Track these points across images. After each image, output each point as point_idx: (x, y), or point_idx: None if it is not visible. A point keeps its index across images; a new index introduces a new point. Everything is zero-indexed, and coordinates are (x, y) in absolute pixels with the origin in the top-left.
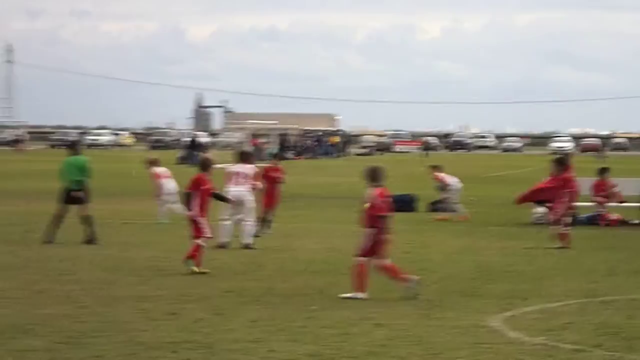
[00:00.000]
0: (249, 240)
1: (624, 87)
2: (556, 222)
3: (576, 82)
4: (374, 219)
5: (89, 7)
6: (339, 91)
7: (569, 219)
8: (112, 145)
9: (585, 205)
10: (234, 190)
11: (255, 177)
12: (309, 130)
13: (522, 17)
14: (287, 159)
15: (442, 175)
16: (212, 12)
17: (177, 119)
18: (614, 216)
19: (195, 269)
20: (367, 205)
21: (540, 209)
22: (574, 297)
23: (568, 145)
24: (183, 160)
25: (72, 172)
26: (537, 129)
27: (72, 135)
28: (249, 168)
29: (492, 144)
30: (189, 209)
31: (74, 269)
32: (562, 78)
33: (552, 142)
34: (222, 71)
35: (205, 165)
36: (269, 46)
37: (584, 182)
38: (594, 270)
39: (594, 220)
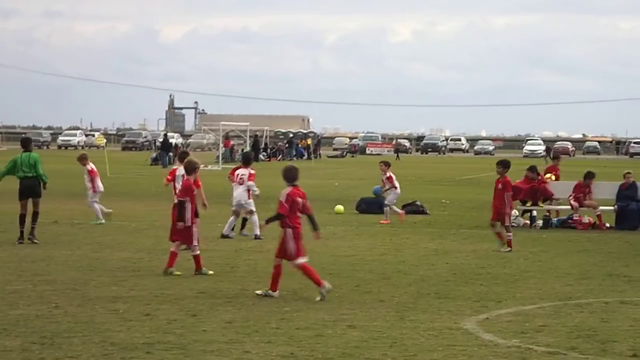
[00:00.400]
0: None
1: (598, 90)
2: (507, 227)
3: (551, 85)
4: (285, 219)
5: (63, 8)
6: (311, 93)
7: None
8: (84, 146)
9: (560, 208)
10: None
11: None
12: (280, 132)
13: (498, 20)
14: (259, 160)
15: (393, 175)
16: (185, 13)
17: (150, 120)
18: (587, 219)
19: (178, 272)
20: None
21: (513, 212)
22: (548, 299)
23: (540, 148)
24: (155, 161)
25: (25, 168)
26: (511, 132)
27: (43, 136)
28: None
29: (464, 147)
30: (183, 219)
31: (47, 270)
32: (537, 81)
33: (525, 145)
34: (195, 72)
35: (190, 169)
36: (242, 48)
37: (561, 185)
38: (568, 273)
39: (567, 224)
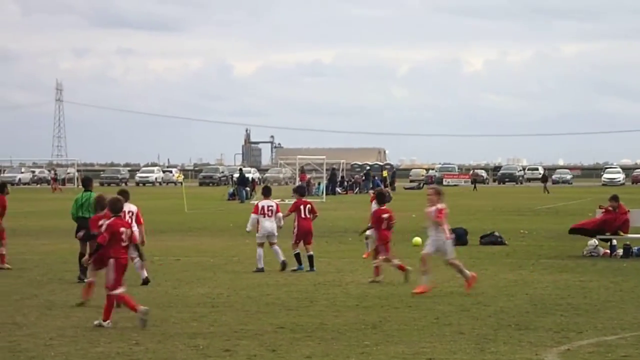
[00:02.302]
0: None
1: None
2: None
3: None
4: (109, 250)
5: (135, 46)
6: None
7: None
8: (162, 182)
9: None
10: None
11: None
12: (357, 164)
13: (568, 48)
14: (336, 194)
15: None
16: (256, 48)
17: (227, 155)
18: None
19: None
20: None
21: (592, 242)
22: (630, 330)
23: (619, 176)
24: (232, 196)
25: (82, 208)
26: (589, 160)
27: (121, 173)
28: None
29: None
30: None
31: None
32: (612, 109)
33: (603, 174)
34: (269, 106)
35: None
36: (314, 81)
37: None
38: None
39: None
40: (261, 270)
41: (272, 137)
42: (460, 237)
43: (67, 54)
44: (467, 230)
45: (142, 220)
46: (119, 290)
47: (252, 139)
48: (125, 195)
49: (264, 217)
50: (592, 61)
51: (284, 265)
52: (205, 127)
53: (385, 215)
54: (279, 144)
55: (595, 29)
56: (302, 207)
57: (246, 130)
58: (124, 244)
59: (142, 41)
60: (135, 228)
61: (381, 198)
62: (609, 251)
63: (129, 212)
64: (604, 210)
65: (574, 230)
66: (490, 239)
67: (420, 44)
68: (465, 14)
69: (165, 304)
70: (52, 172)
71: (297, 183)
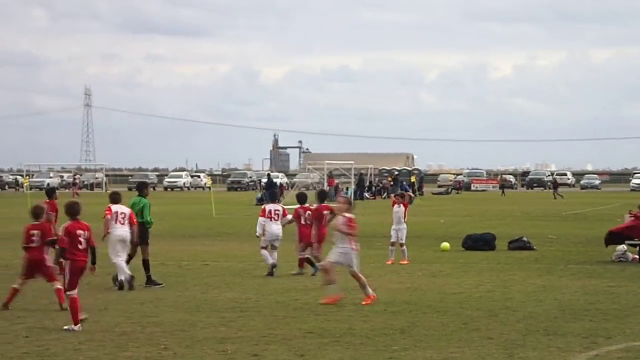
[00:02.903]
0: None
1: None
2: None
3: None
4: (64, 251)
5: (163, 52)
6: (413, 130)
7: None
8: (190, 187)
9: None
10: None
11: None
12: (385, 169)
13: (598, 53)
14: (364, 199)
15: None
16: (284, 53)
17: (255, 160)
18: None
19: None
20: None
21: (621, 247)
22: None
23: None
24: (260, 201)
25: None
26: (618, 166)
27: (150, 178)
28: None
29: (570, 181)
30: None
31: (156, 311)
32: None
33: (632, 179)
34: (297, 112)
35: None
36: (342, 86)
37: None
38: None
39: None
40: (274, 265)
41: (300, 142)
42: (488, 242)
43: (95, 59)
44: (495, 235)
45: (135, 220)
46: (74, 292)
47: (280, 144)
48: (116, 196)
49: (271, 220)
50: (622, 66)
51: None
52: (234, 132)
53: (325, 212)
54: (307, 148)
55: (624, 33)
56: (302, 213)
57: (274, 135)
58: (81, 247)
59: (169, 46)
60: (127, 228)
61: (322, 195)
62: (637, 256)
63: (121, 213)
64: (633, 215)
65: (611, 235)
66: (518, 244)
67: (449, 50)
68: (493, 19)
69: (194, 309)
70: (74, 177)
71: (326, 188)
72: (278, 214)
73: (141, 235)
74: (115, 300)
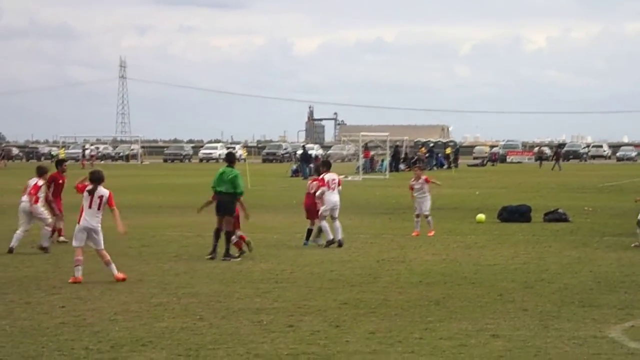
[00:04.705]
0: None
1: None
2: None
3: None
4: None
5: (197, 23)
6: (447, 102)
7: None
8: None
9: None
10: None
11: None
12: (420, 141)
13: (634, 26)
14: (399, 170)
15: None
16: (318, 25)
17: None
18: None
19: None
20: None
21: None
22: None
23: None
24: (295, 173)
25: (222, 183)
26: None
27: (185, 150)
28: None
29: (606, 153)
30: None
31: (191, 282)
32: None
33: None
34: (331, 84)
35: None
36: (376, 58)
37: None
38: None
39: None
40: (332, 242)
41: (335, 114)
42: (524, 214)
43: (130, 31)
44: (531, 207)
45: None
46: None
47: (315, 116)
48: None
49: (329, 189)
50: None
51: (340, 244)
52: (269, 104)
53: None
54: (342, 120)
55: None
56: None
57: (309, 107)
58: None
59: (204, 18)
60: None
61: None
62: None
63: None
64: None
65: None
66: (554, 216)
67: (483, 22)
68: None
69: (229, 280)
70: (83, 148)
71: (361, 160)
72: (335, 183)
73: (229, 206)
74: (151, 272)
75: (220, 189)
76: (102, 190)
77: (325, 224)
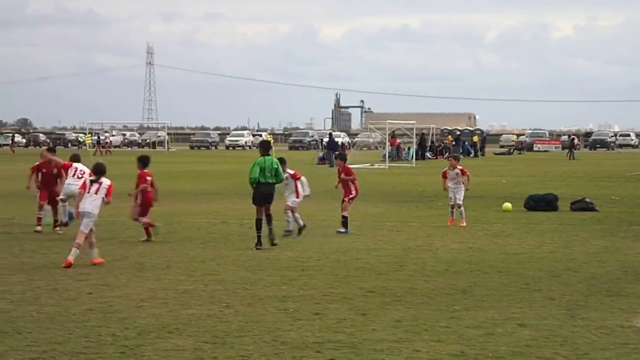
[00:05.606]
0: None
1: None
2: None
3: None
4: None
5: (223, 10)
6: (474, 90)
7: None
8: (252, 146)
9: None
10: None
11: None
12: (447, 129)
13: None
14: (425, 158)
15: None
16: (344, 13)
17: (316, 120)
18: None
19: None
20: None
21: None
22: None
23: None
24: (322, 161)
25: (267, 173)
26: None
27: (212, 137)
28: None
29: (634, 142)
30: None
31: (217, 269)
32: None
33: None
34: (357, 71)
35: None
36: (402, 46)
37: None
38: None
39: None
40: (290, 232)
41: (362, 101)
42: (550, 203)
43: (156, 17)
44: (557, 196)
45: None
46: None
47: (342, 104)
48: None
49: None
50: None
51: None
52: (296, 91)
53: (149, 178)
54: (369, 108)
55: None
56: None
57: (336, 95)
58: None
59: (230, 5)
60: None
61: (145, 161)
62: None
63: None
64: None
65: None
66: (581, 205)
67: (509, 9)
68: None
69: (256, 267)
70: (97, 135)
71: (388, 148)
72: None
73: (271, 197)
74: (177, 259)
75: (265, 180)
76: (105, 181)
77: (290, 215)
